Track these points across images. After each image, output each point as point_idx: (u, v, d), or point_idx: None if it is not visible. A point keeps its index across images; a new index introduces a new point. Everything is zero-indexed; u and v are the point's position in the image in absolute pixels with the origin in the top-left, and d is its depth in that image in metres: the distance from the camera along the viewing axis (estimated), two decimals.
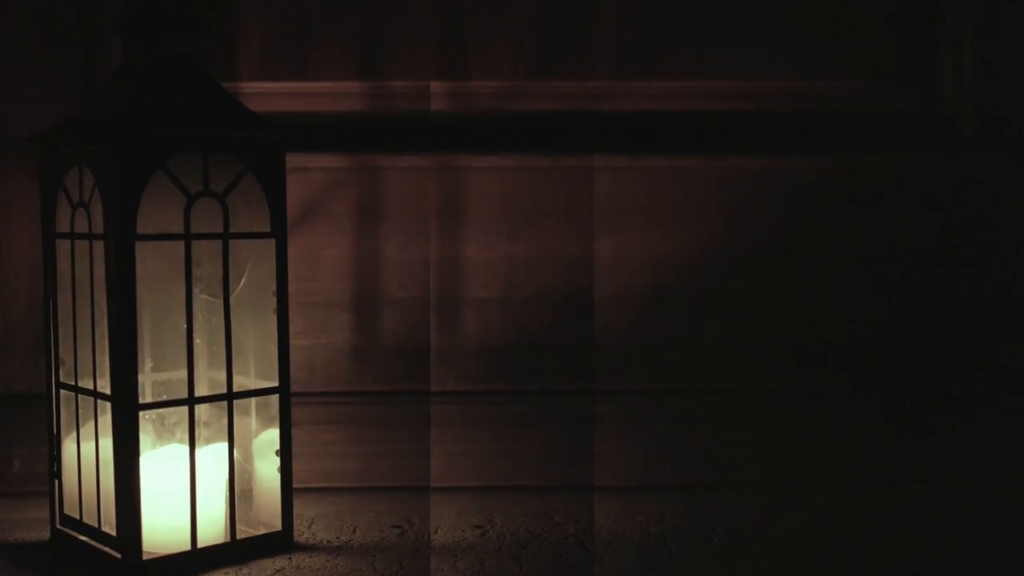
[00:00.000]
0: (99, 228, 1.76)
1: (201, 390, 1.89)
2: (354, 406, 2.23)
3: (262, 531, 1.90)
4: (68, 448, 1.87)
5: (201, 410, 1.89)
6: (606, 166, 2.27)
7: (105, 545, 1.79)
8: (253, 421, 1.93)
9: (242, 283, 1.88)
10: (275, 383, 1.87)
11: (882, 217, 2.30)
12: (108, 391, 1.76)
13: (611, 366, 2.26)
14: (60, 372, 1.87)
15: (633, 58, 2.31)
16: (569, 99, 2.29)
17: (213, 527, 1.82)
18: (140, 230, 1.72)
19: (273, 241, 1.86)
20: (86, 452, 1.83)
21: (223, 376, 1.83)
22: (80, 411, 1.85)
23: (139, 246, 1.73)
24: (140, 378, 1.76)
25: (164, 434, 1.88)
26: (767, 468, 2.27)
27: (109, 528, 1.78)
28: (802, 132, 2.31)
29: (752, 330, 2.29)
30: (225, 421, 1.83)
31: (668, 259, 2.28)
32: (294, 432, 1.91)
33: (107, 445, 1.77)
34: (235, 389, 1.84)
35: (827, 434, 2.27)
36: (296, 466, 1.93)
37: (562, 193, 2.27)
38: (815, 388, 2.29)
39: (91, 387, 1.81)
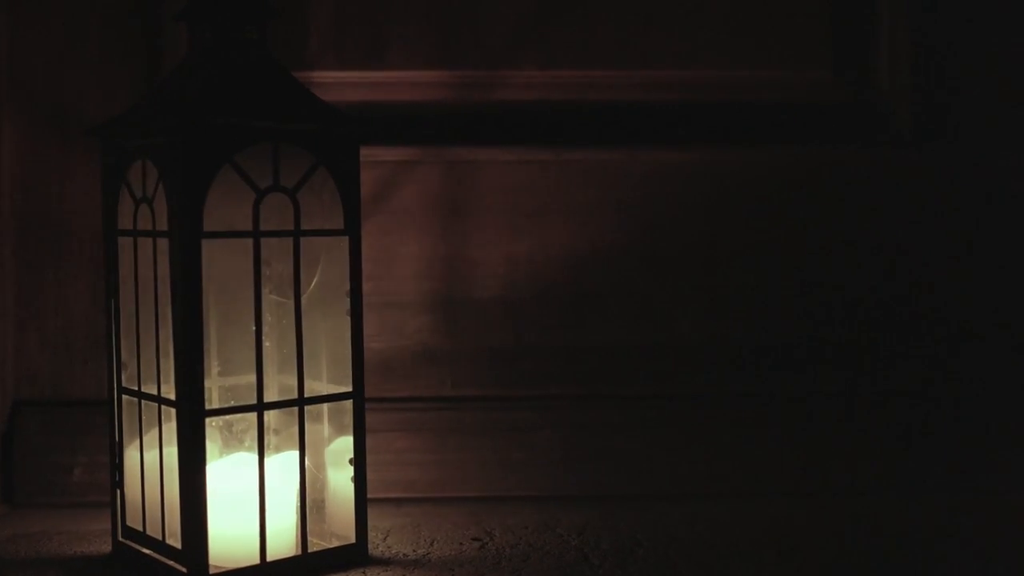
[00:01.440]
0: (163, 225, 1.72)
1: (271, 395, 1.83)
2: (432, 412, 2.21)
3: (335, 544, 1.85)
4: (131, 456, 1.83)
5: (271, 416, 1.84)
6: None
7: (169, 559, 1.75)
8: (325, 428, 1.89)
9: (314, 283, 1.85)
10: (349, 388, 1.83)
11: (814, 213, 2.26)
12: (173, 396, 1.72)
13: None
14: (122, 376, 1.83)
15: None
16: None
17: (283, 540, 1.78)
18: (207, 227, 1.69)
19: (347, 239, 1.82)
20: (150, 461, 1.79)
21: (294, 381, 1.78)
22: (143, 417, 1.81)
23: (206, 244, 1.69)
24: (207, 383, 1.72)
25: (232, 442, 1.83)
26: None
27: (174, 541, 1.74)
28: (733, 125, 2.27)
29: (679, 333, 2.26)
30: (296, 428, 1.79)
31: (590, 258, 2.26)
32: (368, 439, 1.88)
33: (172, 453, 1.73)
34: (306, 394, 1.79)
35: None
36: (370, 475, 1.90)
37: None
38: (747, 391, 2.27)
39: (155, 392, 1.77)
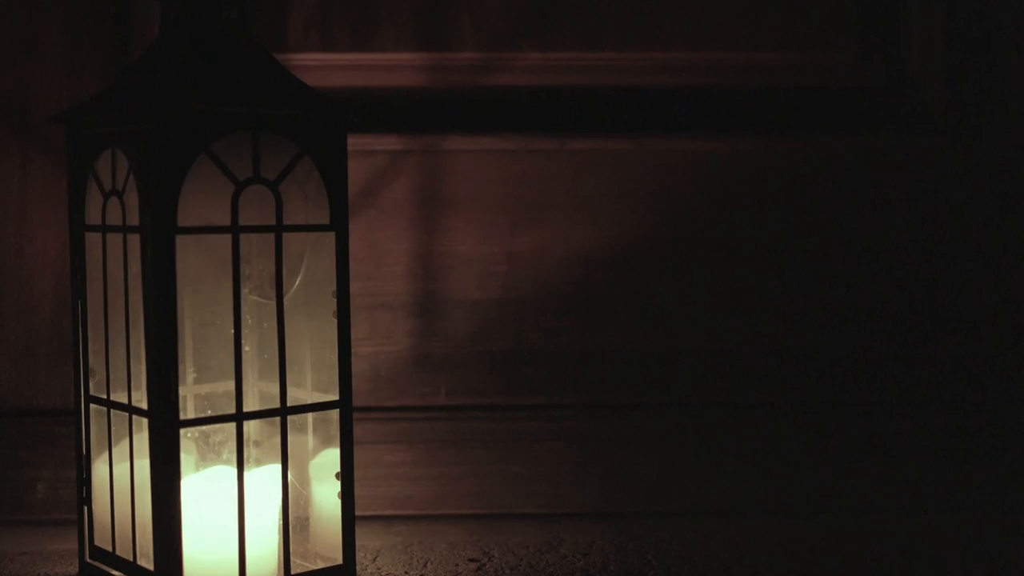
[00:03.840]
0: (134, 219, 1.70)
1: (251, 404, 1.83)
2: (425, 422, 2.20)
3: (320, 565, 1.84)
4: (99, 471, 1.82)
5: (251, 427, 1.84)
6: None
7: None
8: (310, 439, 1.88)
9: (297, 282, 1.84)
10: (335, 396, 1.82)
11: (839, 207, 2.26)
12: (144, 405, 1.70)
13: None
14: (90, 384, 1.82)
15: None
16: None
17: (264, 561, 1.77)
18: (181, 222, 1.68)
19: (333, 235, 1.80)
20: (120, 475, 1.78)
21: (276, 388, 1.77)
22: (113, 428, 1.80)
23: (180, 240, 1.67)
24: (181, 391, 1.71)
25: (209, 454, 1.82)
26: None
27: (146, 562, 1.73)
28: (748, 110, 2.27)
29: (692, 337, 2.25)
30: (278, 440, 1.77)
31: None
32: (356, 452, 1.87)
33: (143, 467, 1.71)
34: (289, 403, 1.78)
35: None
36: (359, 491, 1.89)
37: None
38: (767, 401, 2.26)
39: (125, 401, 1.76)
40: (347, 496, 1.83)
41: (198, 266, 1.77)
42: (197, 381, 1.85)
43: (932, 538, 2.06)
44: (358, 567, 1.88)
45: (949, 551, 2.00)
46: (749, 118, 2.26)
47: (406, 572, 1.90)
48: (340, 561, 1.83)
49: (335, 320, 1.82)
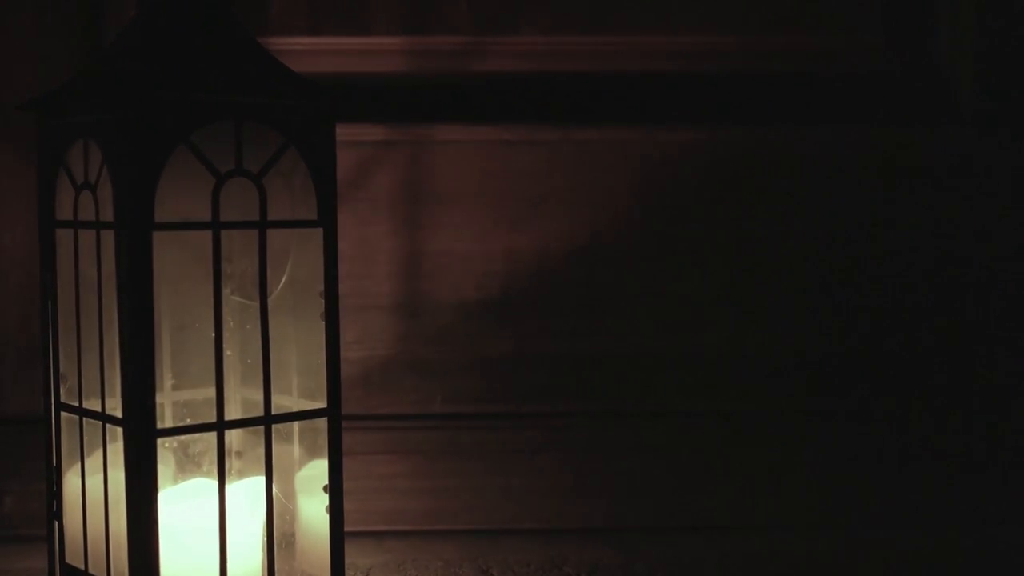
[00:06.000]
0: (109, 215, 1.69)
1: (233, 412, 1.82)
2: (420, 431, 2.20)
3: None
4: (71, 483, 1.81)
5: (233, 437, 1.83)
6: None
7: None
8: (296, 450, 1.87)
9: (282, 282, 1.83)
10: (323, 404, 1.81)
11: (861, 202, 2.24)
12: (119, 413, 1.69)
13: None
14: (61, 390, 1.81)
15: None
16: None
17: None
18: (158, 217, 1.66)
19: (320, 231, 1.80)
20: (92, 488, 1.77)
21: (259, 395, 1.76)
22: (85, 438, 1.78)
23: (157, 237, 1.66)
24: (158, 398, 1.70)
25: (188, 466, 1.81)
26: None
27: None
28: (767, 99, 2.26)
29: (705, 339, 2.24)
30: (262, 450, 1.76)
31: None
32: (346, 463, 1.87)
33: (118, 479, 1.70)
34: (274, 411, 1.76)
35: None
36: (348, 505, 1.88)
37: None
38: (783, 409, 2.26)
39: (98, 409, 1.74)
40: (336, 510, 1.82)
41: (176, 265, 1.76)
42: (175, 388, 1.84)
43: (961, 553, 2.05)
44: None
45: (980, 567, 1.99)
46: (765, 106, 2.25)
47: None
48: None
49: (323, 322, 1.81)
